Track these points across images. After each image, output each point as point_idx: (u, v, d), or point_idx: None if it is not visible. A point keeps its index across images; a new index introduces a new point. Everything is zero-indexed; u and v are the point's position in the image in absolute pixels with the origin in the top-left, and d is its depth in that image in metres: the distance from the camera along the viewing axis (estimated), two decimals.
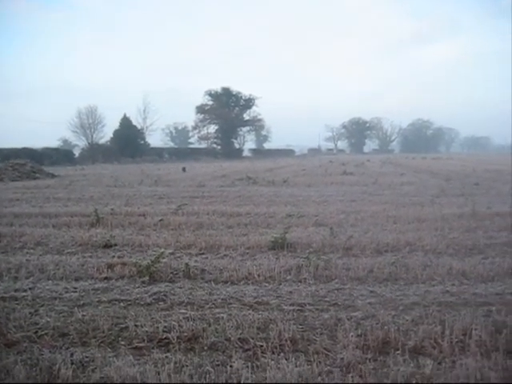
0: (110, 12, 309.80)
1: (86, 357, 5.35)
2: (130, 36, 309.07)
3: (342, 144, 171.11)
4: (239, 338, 5.71)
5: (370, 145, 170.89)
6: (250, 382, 4.66)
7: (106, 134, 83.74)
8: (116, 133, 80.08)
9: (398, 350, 5.39)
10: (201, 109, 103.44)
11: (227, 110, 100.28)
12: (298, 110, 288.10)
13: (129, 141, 77.13)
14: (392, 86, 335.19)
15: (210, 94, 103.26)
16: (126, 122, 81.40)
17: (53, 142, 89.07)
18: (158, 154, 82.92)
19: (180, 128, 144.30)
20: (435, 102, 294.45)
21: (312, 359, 5.13)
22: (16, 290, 7.77)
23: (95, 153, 73.96)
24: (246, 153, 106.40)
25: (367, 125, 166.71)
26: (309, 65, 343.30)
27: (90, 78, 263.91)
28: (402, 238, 11.02)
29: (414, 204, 17.51)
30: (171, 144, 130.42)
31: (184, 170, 32.87)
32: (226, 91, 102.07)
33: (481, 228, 12.50)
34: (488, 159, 69.54)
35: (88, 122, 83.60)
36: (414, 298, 7.16)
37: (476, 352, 5.28)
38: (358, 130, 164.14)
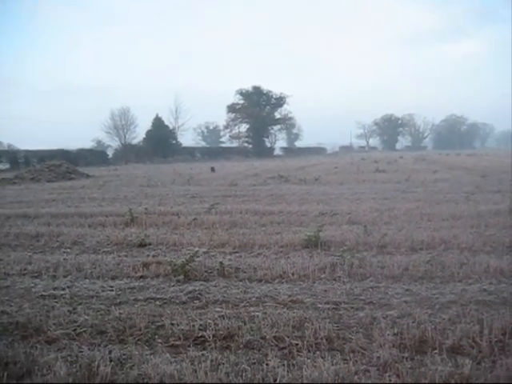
0: (137, 8, 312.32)
1: (124, 354, 5.43)
2: (160, 37, 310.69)
3: (374, 141, 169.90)
4: (274, 337, 5.72)
5: (403, 142, 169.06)
6: (285, 380, 4.67)
7: (138, 135, 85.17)
8: (148, 133, 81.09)
9: (435, 349, 5.33)
10: (232, 108, 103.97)
11: (258, 108, 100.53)
12: (329, 108, 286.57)
13: (161, 141, 77.97)
14: (424, 81, 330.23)
15: (241, 93, 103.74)
16: (158, 122, 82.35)
17: (87, 144, 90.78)
18: (190, 153, 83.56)
19: (211, 127, 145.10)
20: (469, 96, 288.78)
21: (348, 358, 5.11)
22: (54, 289, 7.94)
23: (128, 153, 75.01)
24: (277, 151, 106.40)
25: (399, 121, 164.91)
26: (338, 61, 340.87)
27: (119, 79, 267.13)
28: (437, 235, 10.88)
29: (448, 201, 17.27)
30: (203, 143, 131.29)
31: (213, 169, 31.45)
32: (257, 90, 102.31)
33: None
34: None
35: (121, 123, 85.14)
36: (450, 296, 7.07)
37: None
38: (390, 127, 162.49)
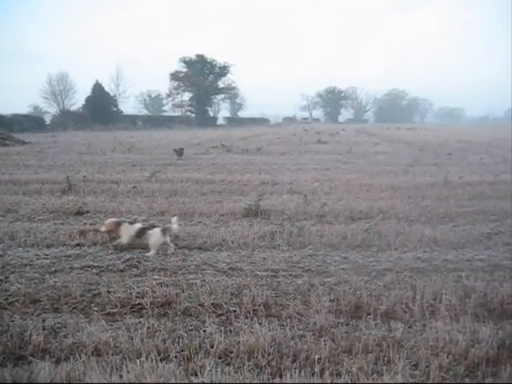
0: None
1: (58, 323, 5.31)
2: (101, 2, 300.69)
3: (317, 113, 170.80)
4: (213, 304, 5.72)
5: (345, 114, 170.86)
6: (222, 346, 4.67)
7: (77, 101, 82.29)
8: (88, 99, 78.50)
9: (370, 314, 5.46)
10: (175, 76, 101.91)
11: (201, 77, 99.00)
12: (273, 79, 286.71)
13: (101, 108, 75.70)
14: (367, 55, 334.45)
15: (185, 61, 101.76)
16: (98, 88, 79.78)
17: (23, 109, 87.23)
18: (132, 121, 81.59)
19: (154, 96, 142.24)
20: (410, 72, 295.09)
21: (285, 323, 5.17)
22: None
23: (67, 120, 72.46)
24: (220, 121, 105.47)
25: (342, 94, 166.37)
26: (284, 33, 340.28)
27: (59, 44, 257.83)
28: (375, 205, 11.12)
29: (387, 173, 17.65)
30: (145, 112, 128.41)
31: (179, 153, 24.61)
32: (201, 58, 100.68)
33: (453, 197, 12.68)
34: (461, 130, 70.25)
35: (59, 88, 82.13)
36: (386, 264, 7.25)
37: (446, 316, 5.40)
38: (333, 100, 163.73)
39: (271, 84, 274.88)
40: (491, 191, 13.53)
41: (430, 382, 4.14)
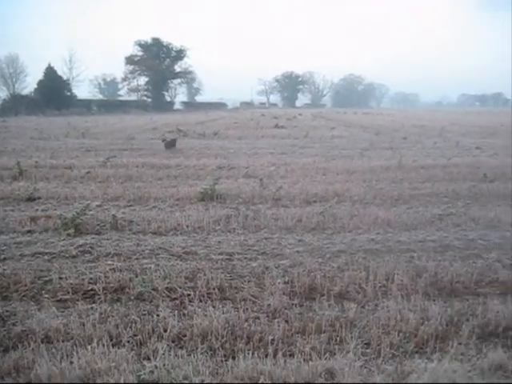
0: None
1: (7, 311, 5.19)
2: None
3: (275, 98, 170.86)
4: (167, 288, 5.68)
5: (303, 99, 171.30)
6: (176, 330, 4.64)
7: (29, 85, 79.81)
8: (40, 83, 76.25)
9: (323, 295, 5.52)
10: (130, 60, 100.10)
11: (157, 61, 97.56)
12: (231, 63, 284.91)
13: (54, 92, 73.68)
14: (325, 40, 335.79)
15: (140, 45, 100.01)
16: (50, 72, 77.55)
17: None
18: (86, 106, 79.70)
19: (109, 80, 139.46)
20: (367, 57, 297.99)
21: (239, 306, 5.17)
22: None
23: (18, 104, 70.25)
24: (177, 106, 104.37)
25: (300, 79, 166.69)
26: (242, 17, 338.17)
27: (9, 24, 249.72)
28: (331, 188, 11.22)
29: (343, 157, 17.82)
30: (100, 96, 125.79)
31: (170, 144, 22.12)
32: (157, 42, 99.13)
33: (406, 180, 12.92)
34: (416, 115, 71.34)
35: (9, 71, 79.57)
36: (340, 246, 7.33)
37: (397, 295, 5.49)
38: (290, 84, 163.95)
39: (229, 69, 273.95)
40: (444, 174, 13.84)
41: (381, 359, 4.21)
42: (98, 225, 8.37)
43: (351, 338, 4.50)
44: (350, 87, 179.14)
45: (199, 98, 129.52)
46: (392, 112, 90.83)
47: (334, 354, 4.28)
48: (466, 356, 4.28)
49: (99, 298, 5.49)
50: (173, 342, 4.51)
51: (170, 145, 20.52)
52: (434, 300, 5.45)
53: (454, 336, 4.63)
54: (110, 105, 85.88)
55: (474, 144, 22.78)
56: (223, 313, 4.95)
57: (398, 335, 4.58)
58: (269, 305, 5.23)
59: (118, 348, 4.34)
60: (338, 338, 4.57)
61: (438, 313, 4.96)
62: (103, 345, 4.32)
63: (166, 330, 4.64)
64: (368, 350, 4.38)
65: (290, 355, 4.29)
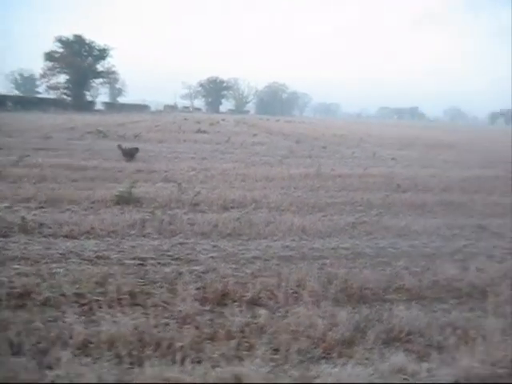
0: None
1: None
2: None
3: (199, 102, 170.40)
4: (75, 293, 5.50)
5: (227, 105, 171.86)
6: (82, 337, 4.50)
7: None
8: None
9: (235, 301, 5.54)
10: (50, 56, 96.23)
11: (79, 59, 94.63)
12: (155, 65, 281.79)
13: None
14: (251, 47, 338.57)
15: (61, 41, 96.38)
16: None
17: None
18: (1, 102, 76.42)
19: (26, 75, 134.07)
20: (291, 66, 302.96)
21: (149, 312, 5.09)
22: None
23: None
24: (98, 106, 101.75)
25: (224, 84, 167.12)
26: (168, 20, 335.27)
27: None
28: (249, 195, 11.29)
29: (263, 163, 17.99)
30: (16, 92, 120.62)
31: (130, 152, 19.04)
32: (79, 39, 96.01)
33: (323, 188, 13.20)
34: (336, 125, 73.27)
35: None
36: (255, 252, 7.38)
37: (308, 301, 5.58)
38: (214, 90, 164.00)
39: (153, 71, 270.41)
40: (360, 183, 14.25)
41: (289, 364, 4.26)
42: (5, 227, 7.99)
43: (261, 344, 4.53)
44: (273, 95, 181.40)
45: (122, 99, 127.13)
46: (313, 121, 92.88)
47: (243, 360, 4.29)
48: (370, 360, 4.41)
49: (1, 305, 5.23)
50: (78, 349, 4.36)
51: (130, 154, 17.55)
52: (343, 306, 5.59)
53: (360, 341, 4.76)
54: (27, 102, 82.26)
55: (390, 155, 23.61)
56: (133, 319, 4.86)
57: (307, 341, 4.66)
58: (180, 311, 5.18)
59: (18, 357, 4.15)
60: (248, 344, 4.59)
61: (346, 319, 5.09)
62: (0, 354, 4.13)
63: (71, 338, 4.49)
64: (276, 356, 4.42)
65: (198, 362, 4.26)
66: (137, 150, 17.96)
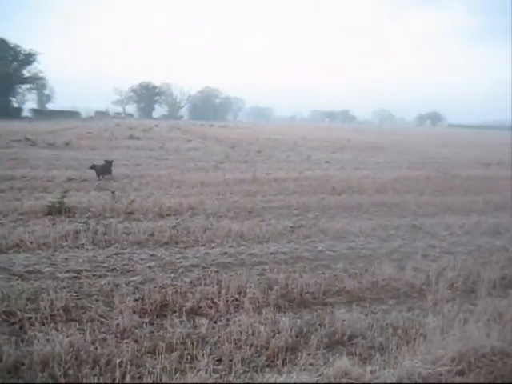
0: None
1: None
2: None
3: (131, 108, 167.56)
4: (5, 312, 5.20)
5: (160, 110, 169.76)
6: (12, 359, 4.24)
7: None
8: None
9: (175, 312, 5.41)
10: None
11: (3, 64, 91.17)
12: (86, 71, 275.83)
13: None
14: (183, 52, 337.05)
15: None
16: None
17: None
18: None
19: None
20: (224, 71, 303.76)
21: (86, 328, 4.86)
22: None
23: None
24: (25, 113, 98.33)
25: (157, 90, 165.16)
26: (97, 22, 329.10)
27: None
28: (185, 201, 11.14)
29: (199, 169, 17.84)
30: None
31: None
32: (3, 43, 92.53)
33: (260, 192, 13.20)
34: (270, 129, 73.69)
35: None
36: (193, 260, 7.25)
37: (249, 309, 5.52)
38: (147, 95, 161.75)
39: (84, 76, 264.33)
40: (295, 187, 14.35)
41: (233, 375, 4.17)
42: None
43: (203, 355, 4.41)
44: (207, 100, 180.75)
45: (51, 106, 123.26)
46: (248, 125, 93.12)
47: (185, 373, 4.16)
48: (314, 366, 4.37)
49: None
50: (8, 372, 4.10)
51: (103, 171, 14.87)
52: (285, 312, 5.57)
53: (304, 347, 4.73)
54: None
55: (323, 158, 23.98)
56: (68, 336, 4.62)
57: (250, 349, 4.59)
58: (118, 324, 5.00)
59: None
60: (190, 356, 4.46)
61: (288, 325, 5.05)
62: None
63: (0, 360, 4.22)
64: (220, 367, 4.32)
65: (139, 377, 4.11)
66: (110, 163, 15.28)
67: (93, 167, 14.83)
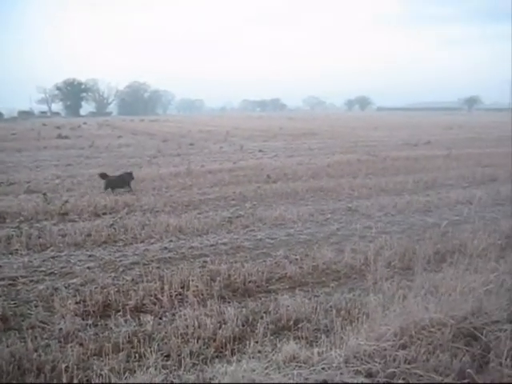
0: None
1: None
2: None
3: (57, 106, 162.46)
4: None
5: (88, 107, 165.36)
6: None
7: None
8: None
9: (119, 311, 5.34)
10: None
11: None
12: (5, 72, 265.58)
13: None
14: (109, 47, 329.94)
15: None
16: None
17: None
18: None
19: None
20: (152, 64, 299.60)
21: (26, 335, 4.73)
22: None
23: None
24: None
25: (83, 86, 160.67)
26: (18, 20, 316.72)
27: None
28: (120, 199, 10.98)
29: (131, 165, 17.53)
30: None
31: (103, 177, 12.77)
32: None
33: (196, 185, 13.15)
34: (202, 121, 73.27)
35: None
36: (133, 257, 7.18)
37: (194, 302, 5.52)
38: (72, 92, 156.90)
39: (3, 77, 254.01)
40: (231, 177, 14.38)
41: (182, 369, 4.16)
42: None
43: (150, 352, 4.37)
44: (135, 94, 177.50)
45: None
46: (179, 118, 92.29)
47: (134, 371, 4.11)
48: (262, 353, 4.41)
49: None
50: None
51: (116, 183, 12.52)
52: (230, 302, 5.60)
53: (251, 335, 4.78)
54: None
55: (256, 147, 24.09)
56: (8, 346, 4.48)
57: (198, 342, 4.59)
58: (60, 329, 4.88)
59: None
60: (137, 355, 4.41)
61: (234, 315, 5.08)
62: None
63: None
64: (169, 362, 4.30)
65: (87, 380, 4.03)
66: (130, 175, 12.70)
67: (103, 177, 12.69)
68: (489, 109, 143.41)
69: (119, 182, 12.47)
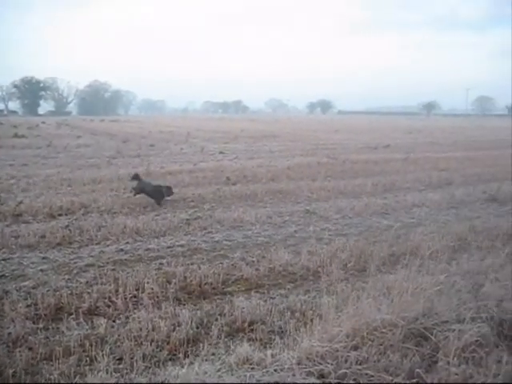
0: None
1: None
2: None
3: (14, 105, 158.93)
4: None
5: (46, 106, 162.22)
6: None
7: None
8: None
9: (71, 314, 5.26)
10: None
11: None
12: None
13: None
14: (68, 44, 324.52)
15: None
16: None
17: None
18: None
19: None
20: (112, 64, 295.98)
21: None
22: None
23: None
24: None
25: (41, 85, 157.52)
26: None
27: None
28: (77, 200, 10.79)
29: (90, 166, 17.32)
30: None
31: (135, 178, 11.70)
32: None
33: None
34: (163, 121, 72.65)
35: None
36: (88, 259, 7.07)
37: (148, 304, 5.48)
38: (30, 90, 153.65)
39: None
40: (190, 179, 14.30)
41: (134, 372, 4.12)
42: None
43: (102, 355, 4.31)
44: (96, 94, 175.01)
45: None
46: (140, 119, 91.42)
47: (85, 375, 4.06)
48: (216, 355, 4.40)
49: None
50: None
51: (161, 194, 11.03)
52: (185, 304, 5.59)
53: (205, 338, 4.77)
54: None
55: (217, 149, 24.05)
56: None
57: (151, 345, 4.56)
58: (9, 333, 4.77)
59: None
60: (89, 358, 4.35)
61: (188, 317, 5.07)
62: None
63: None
64: (121, 366, 4.25)
65: None
66: (170, 190, 11.23)
67: (135, 178, 11.59)
68: (446, 114, 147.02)
69: (154, 193, 11.00)
